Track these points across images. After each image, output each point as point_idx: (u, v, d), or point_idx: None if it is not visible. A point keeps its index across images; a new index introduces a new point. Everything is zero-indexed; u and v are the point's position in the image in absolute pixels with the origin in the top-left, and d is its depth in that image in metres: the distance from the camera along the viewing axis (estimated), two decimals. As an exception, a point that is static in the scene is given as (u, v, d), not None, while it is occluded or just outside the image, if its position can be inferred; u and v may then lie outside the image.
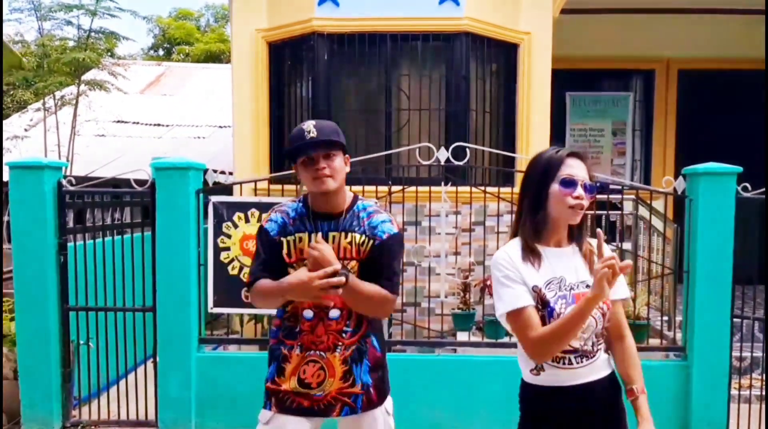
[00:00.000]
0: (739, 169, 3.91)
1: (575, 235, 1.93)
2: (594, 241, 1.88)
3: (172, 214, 4.03)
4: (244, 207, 4.08)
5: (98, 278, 4.12)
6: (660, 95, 7.26)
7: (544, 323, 1.82)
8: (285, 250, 2.20)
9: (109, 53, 11.48)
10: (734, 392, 4.18)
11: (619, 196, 4.39)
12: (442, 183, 4.39)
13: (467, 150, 4.17)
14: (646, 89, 7.36)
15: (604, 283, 1.68)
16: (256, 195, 4.31)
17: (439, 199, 4.34)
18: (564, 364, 1.86)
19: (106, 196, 4.94)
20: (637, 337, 4.23)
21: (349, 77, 5.38)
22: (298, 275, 2.09)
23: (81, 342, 4.14)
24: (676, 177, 4.18)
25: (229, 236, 4.07)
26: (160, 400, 4.08)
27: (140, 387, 4.18)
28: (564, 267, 1.88)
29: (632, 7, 6.65)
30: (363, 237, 2.19)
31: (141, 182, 4.14)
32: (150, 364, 4.15)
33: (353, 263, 2.19)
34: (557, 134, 6.42)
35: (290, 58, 5.53)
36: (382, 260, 2.19)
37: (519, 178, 4.84)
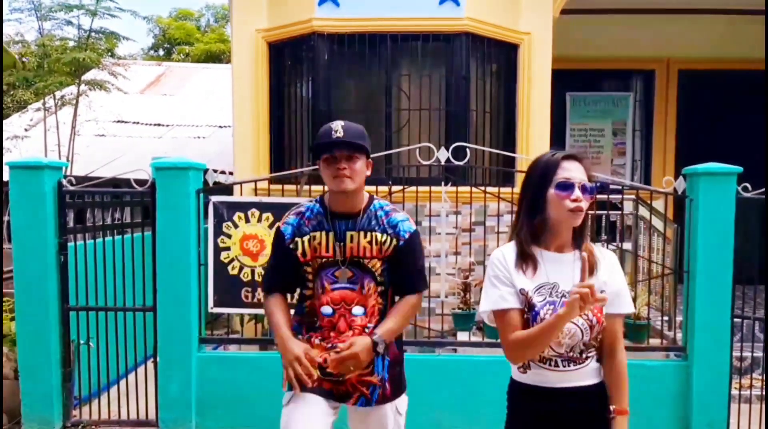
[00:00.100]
0: (740, 169, 3.91)
1: (576, 238, 1.91)
2: (598, 248, 1.90)
3: (172, 214, 4.03)
4: (244, 207, 4.08)
5: (98, 278, 4.12)
6: (660, 95, 7.27)
7: (528, 326, 1.84)
8: (300, 250, 2.26)
9: (110, 53, 11.49)
10: (735, 392, 4.18)
11: (620, 196, 4.39)
12: (443, 183, 4.39)
13: (467, 150, 4.17)
14: (646, 89, 7.36)
15: (575, 306, 1.68)
16: (256, 195, 4.31)
17: (440, 199, 4.34)
18: (550, 365, 1.87)
19: (106, 196, 4.94)
20: (638, 337, 4.26)
21: (349, 77, 5.38)
22: (292, 346, 2.17)
23: (81, 342, 4.14)
24: (676, 177, 4.18)
25: (229, 236, 4.07)
26: (160, 399, 4.08)
27: (141, 387, 4.18)
28: (560, 273, 1.86)
29: (632, 7, 6.65)
30: (384, 235, 2.25)
31: (141, 182, 4.14)
32: (150, 364, 4.15)
33: (375, 262, 2.25)
34: (557, 134, 6.42)
35: (290, 59, 5.53)
36: (408, 260, 2.29)
37: (519, 178, 4.86)
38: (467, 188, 4.47)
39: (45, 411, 4.04)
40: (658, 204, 4.90)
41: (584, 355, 1.87)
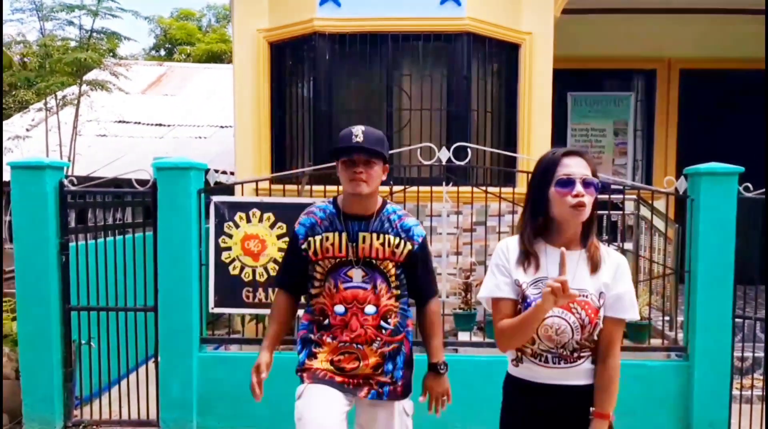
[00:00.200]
0: (741, 169, 3.91)
1: (584, 236, 1.89)
2: (607, 249, 1.90)
3: (173, 214, 4.04)
4: (245, 207, 4.08)
5: (100, 278, 4.12)
6: (661, 95, 7.26)
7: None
8: (312, 250, 2.33)
9: (111, 53, 11.48)
10: (736, 392, 4.18)
11: (621, 196, 4.39)
12: (444, 183, 4.39)
13: (468, 150, 4.16)
14: (647, 89, 7.35)
15: (548, 299, 1.69)
16: (257, 195, 4.31)
17: (441, 199, 4.34)
18: (540, 360, 1.87)
19: (107, 196, 4.93)
20: (639, 338, 4.25)
21: (350, 77, 5.38)
22: (259, 356, 2.42)
23: (82, 342, 4.15)
24: (677, 177, 4.18)
25: (230, 236, 4.07)
26: (161, 399, 4.08)
27: (142, 387, 4.19)
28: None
29: (633, 7, 6.65)
30: (398, 239, 2.33)
31: (142, 182, 4.15)
32: (151, 364, 4.16)
33: (387, 263, 2.31)
34: (559, 134, 6.42)
35: (292, 58, 5.54)
36: (423, 265, 2.39)
37: (520, 177, 4.87)
38: (468, 188, 4.47)
39: (46, 411, 4.05)
40: (660, 204, 4.90)
41: (576, 355, 1.86)
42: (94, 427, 4.15)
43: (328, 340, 2.34)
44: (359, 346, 2.31)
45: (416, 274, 2.38)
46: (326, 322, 2.34)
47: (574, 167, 1.83)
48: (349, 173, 2.25)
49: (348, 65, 5.31)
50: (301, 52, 5.42)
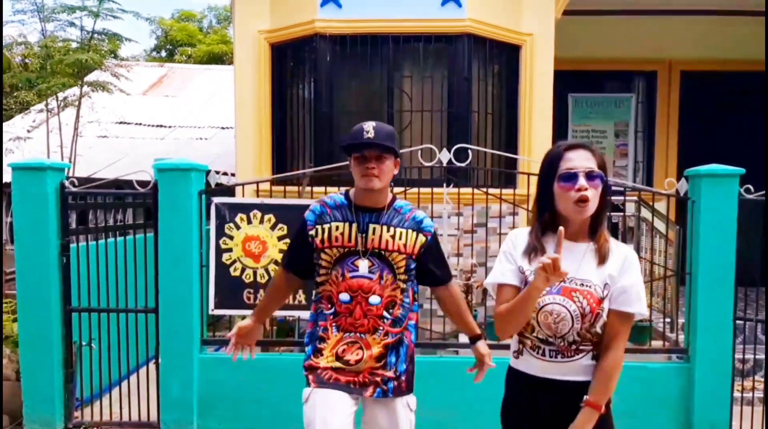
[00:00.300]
0: (742, 170, 3.90)
1: (592, 228, 1.86)
2: (617, 243, 1.90)
3: (174, 215, 4.04)
4: (246, 208, 4.09)
5: (101, 279, 4.12)
6: (662, 96, 7.27)
7: None
8: (318, 238, 2.38)
9: (112, 55, 11.47)
10: (737, 394, 4.18)
11: (622, 198, 4.39)
12: (444, 184, 4.39)
13: (469, 151, 4.16)
14: (648, 90, 7.36)
15: (540, 275, 1.70)
16: (258, 196, 4.31)
17: (441, 200, 4.34)
18: (538, 353, 1.88)
19: (108, 198, 4.94)
20: (640, 339, 4.25)
21: (351, 78, 5.38)
22: (245, 325, 2.53)
23: (83, 343, 4.15)
24: (678, 178, 4.17)
25: (231, 237, 4.08)
26: (162, 401, 4.09)
27: (142, 388, 4.18)
28: (566, 261, 1.80)
29: (634, 9, 6.65)
30: (410, 231, 2.39)
31: (143, 183, 4.15)
32: (152, 366, 4.15)
33: (396, 255, 2.36)
34: (559, 135, 6.41)
35: (292, 60, 5.54)
36: (438, 253, 2.48)
37: (521, 179, 4.86)
38: (469, 190, 4.47)
39: (47, 412, 4.05)
40: (660, 205, 4.90)
41: (575, 348, 1.84)
42: (95, 428, 4.15)
43: (333, 333, 2.37)
44: (362, 335, 2.35)
45: (434, 263, 2.46)
46: (332, 309, 2.38)
47: (577, 161, 1.81)
48: (362, 169, 2.30)
49: (349, 66, 5.31)
50: (302, 54, 5.42)
